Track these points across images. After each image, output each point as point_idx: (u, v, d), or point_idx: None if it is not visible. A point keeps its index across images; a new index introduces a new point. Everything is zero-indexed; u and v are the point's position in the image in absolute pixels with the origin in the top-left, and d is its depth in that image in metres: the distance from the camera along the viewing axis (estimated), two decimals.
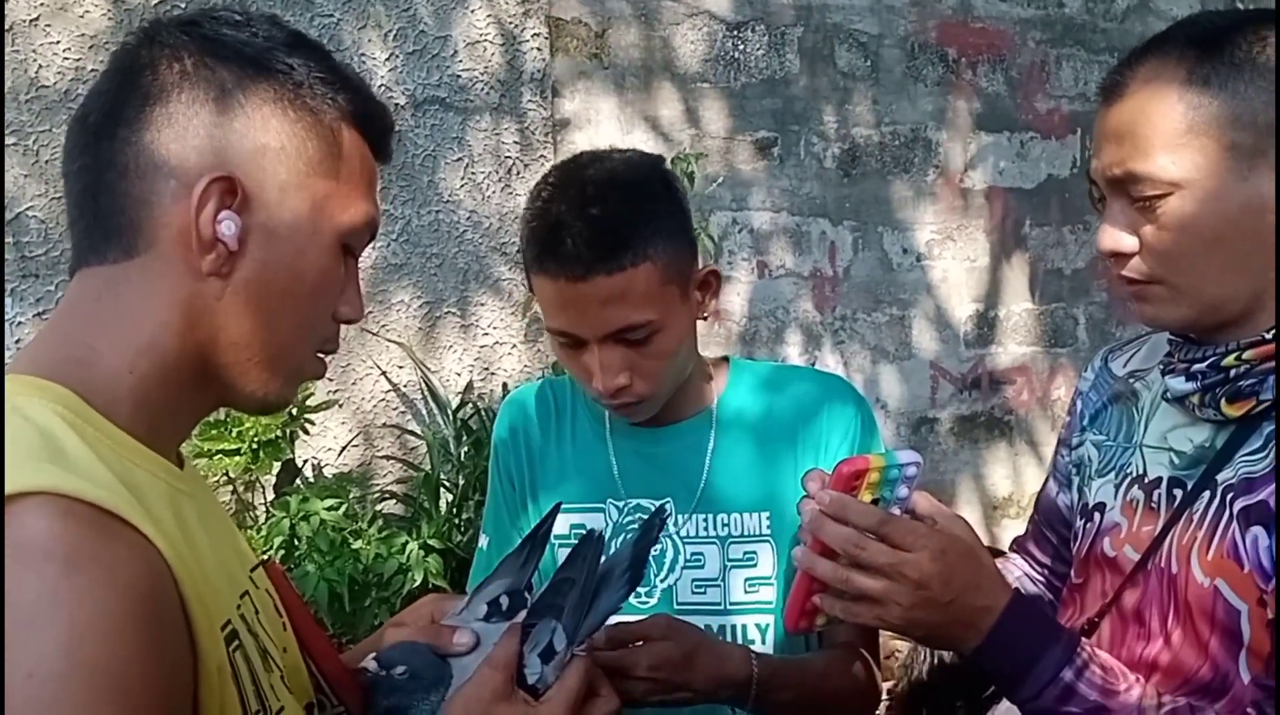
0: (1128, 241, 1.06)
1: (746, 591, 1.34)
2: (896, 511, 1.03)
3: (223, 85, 0.82)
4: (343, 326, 0.93)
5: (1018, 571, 1.38)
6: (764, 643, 1.34)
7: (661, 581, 1.35)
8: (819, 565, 1.01)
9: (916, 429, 3.62)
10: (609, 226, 1.22)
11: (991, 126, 3.65)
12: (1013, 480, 3.76)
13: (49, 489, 0.68)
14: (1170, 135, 1.02)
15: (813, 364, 3.43)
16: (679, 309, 1.29)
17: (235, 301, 0.82)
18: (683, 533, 1.35)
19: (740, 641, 1.33)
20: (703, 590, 1.34)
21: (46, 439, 0.73)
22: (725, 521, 1.35)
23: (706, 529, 1.35)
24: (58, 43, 2.56)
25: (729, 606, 1.34)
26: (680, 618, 1.24)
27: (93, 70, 2.58)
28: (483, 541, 1.46)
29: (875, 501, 1.03)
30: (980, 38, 3.62)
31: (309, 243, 0.85)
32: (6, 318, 2.55)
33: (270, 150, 0.82)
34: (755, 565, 1.34)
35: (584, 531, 1.28)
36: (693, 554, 1.35)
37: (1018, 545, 1.42)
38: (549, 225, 1.23)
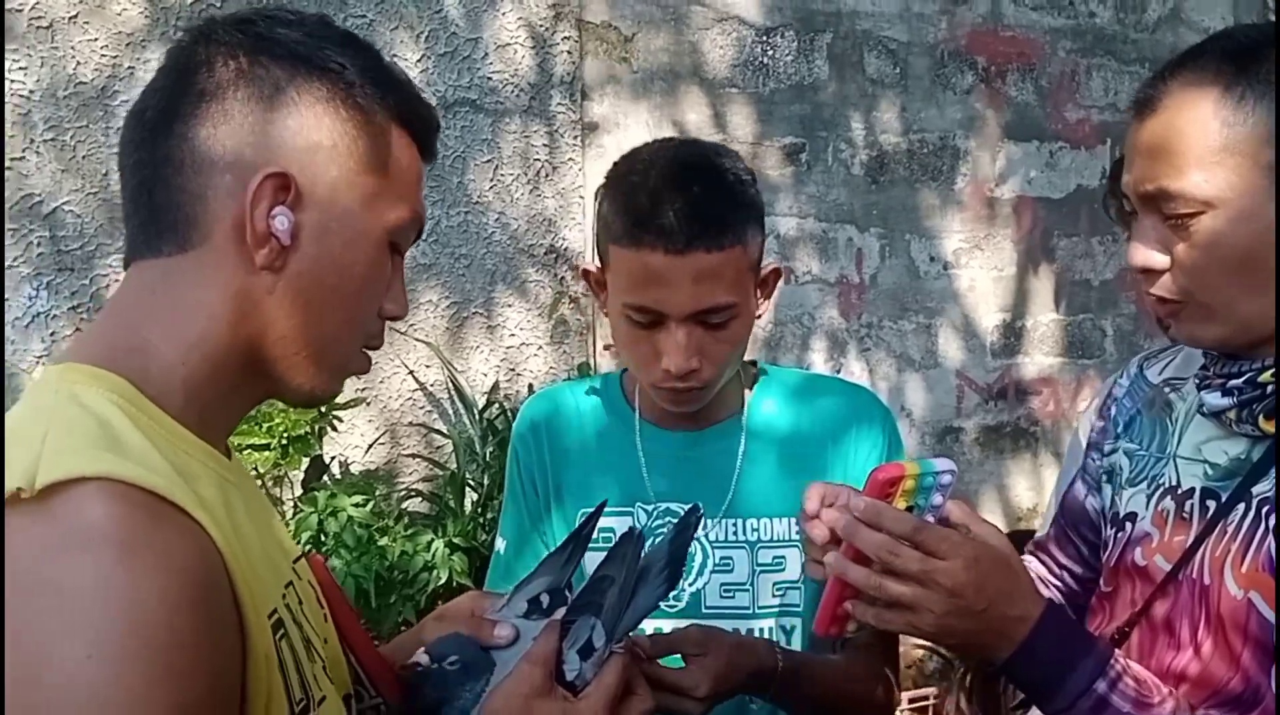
0: (1159, 259, 1.05)
1: (774, 595, 1.34)
2: (930, 519, 1.03)
3: (277, 83, 0.83)
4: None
5: (1032, 574, 1.38)
6: (789, 644, 1.34)
7: (690, 586, 1.35)
8: (852, 571, 1.01)
9: (941, 438, 3.60)
10: (712, 205, 1.22)
11: (1020, 136, 3.64)
12: (1037, 491, 3.74)
13: (105, 475, 0.69)
14: (1204, 153, 1.00)
15: (838, 371, 3.42)
16: (752, 299, 1.30)
17: (286, 296, 0.84)
18: (712, 537, 1.35)
19: None
20: (731, 595, 1.34)
21: (103, 426, 0.74)
22: (755, 527, 1.35)
23: (736, 534, 1.35)
24: (95, 40, 2.59)
25: (756, 610, 1.34)
26: (705, 624, 1.24)
27: (129, 68, 2.61)
28: (499, 545, 1.45)
29: (909, 509, 1.02)
30: (1010, 46, 3.61)
31: (359, 239, 0.86)
32: (42, 310, 2.58)
33: (323, 148, 0.84)
34: (783, 570, 1.34)
35: (612, 534, 1.27)
36: (721, 558, 1.35)
37: (1037, 546, 1.41)
38: (648, 196, 1.22)
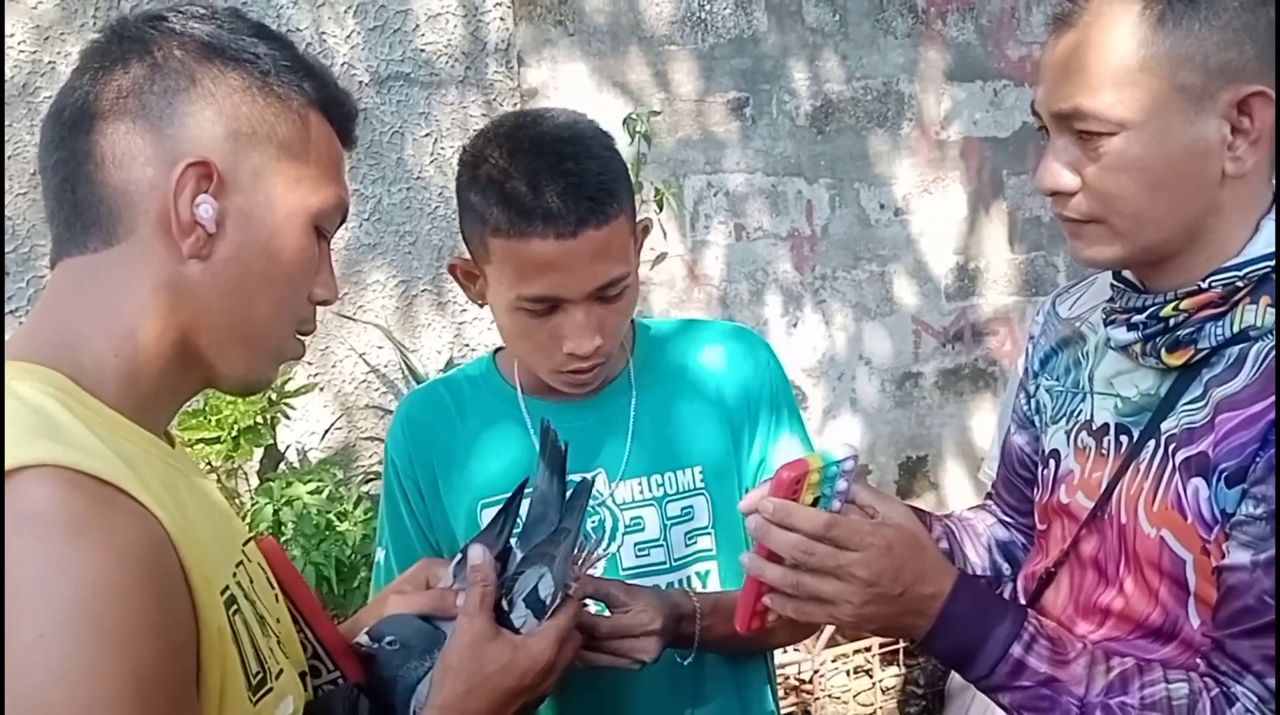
0: (1068, 180, 1.06)
1: (686, 546, 1.35)
2: (837, 505, 1.05)
3: (192, 75, 0.85)
4: (320, 308, 0.96)
5: (990, 520, 1.39)
6: (705, 587, 1.35)
7: (604, 551, 1.34)
8: (769, 570, 1.02)
9: (901, 384, 3.62)
10: (590, 179, 1.19)
11: (964, 76, 3.62)
12: (998, 431, 3.77)
13: (48, 461, 0.71)
14: (1120, 72, 1.00)
15: (794, 324, 3.43)
16: (636, 261, 1.29)
17: (215, 284, 0.86)
18: (619, 500, 1.34)
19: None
20: (646, 552, 1.34)
21: (42, 416, 0.76)
22: (660, 482, 1.35)
23: (642, 491, 1.34)
24: (12, 35, 2.52)
25: (673, 564, 1.35)
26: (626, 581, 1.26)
27: (49, 62, 2.54)
28: (379, 555, 1.40)
29: (816, 500, 1.04)
30: None
31: (283, 224, 0.88)
32: None
33: (242, 135, 0.86)
34: (692, 519, 1.35)
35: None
36: (631, 519, 1.34)
37: (992, 491, 1.42)
38: (526, 185, 1.18)
